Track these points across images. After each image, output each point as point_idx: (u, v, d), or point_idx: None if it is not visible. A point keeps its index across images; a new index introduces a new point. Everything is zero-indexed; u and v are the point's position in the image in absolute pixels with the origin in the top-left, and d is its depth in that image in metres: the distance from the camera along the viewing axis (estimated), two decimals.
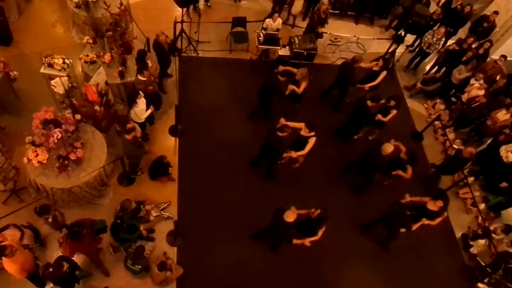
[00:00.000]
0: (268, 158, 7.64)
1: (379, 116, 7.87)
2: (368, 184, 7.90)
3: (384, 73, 8.45)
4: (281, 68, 8.11)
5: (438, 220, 6.86)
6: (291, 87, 7.95)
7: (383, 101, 7.88)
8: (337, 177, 8.27)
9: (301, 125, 7.14)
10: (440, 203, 6.71)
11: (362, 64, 8.48)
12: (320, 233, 6.36)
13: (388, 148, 7.06)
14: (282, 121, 7.02)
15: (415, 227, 6.86)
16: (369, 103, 7.75)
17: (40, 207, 6.02)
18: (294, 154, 7.34)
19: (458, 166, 8.16)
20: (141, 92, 6.90)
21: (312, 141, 7.14)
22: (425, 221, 6.82)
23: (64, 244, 5.81)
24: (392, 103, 7.81)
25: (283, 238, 6.65)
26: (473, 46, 9.49)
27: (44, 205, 6.09)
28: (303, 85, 7.98)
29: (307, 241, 6.38)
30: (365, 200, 8.01)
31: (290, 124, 7.02)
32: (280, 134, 6.90)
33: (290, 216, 5.95)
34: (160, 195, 7.37)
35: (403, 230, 6.85)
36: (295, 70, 8.07)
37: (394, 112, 7.88)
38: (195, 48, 9.48)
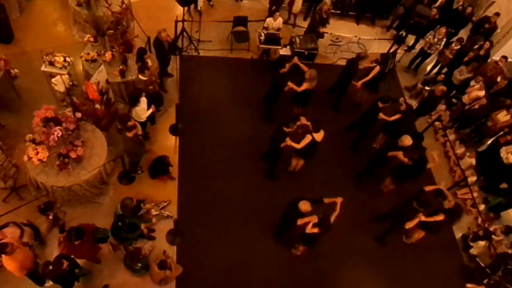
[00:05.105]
0: (271, 155, 7.62)
1: (382, 115, 7.80)
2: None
3: (377, 68, 8.38)
4: (295, 59, 8.06)
5: (436, 218, 6.72)
6: (290, 84, 7.90)
7: (403, 107, 7.94)
8: (337, 177, 8.25)
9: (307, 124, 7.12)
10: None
11: (363, 64, 8.41)
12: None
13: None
14: (303, 120, 7.07)
15: (411, 225, 6.77)
16: (380, 104, 7.73)
17: (44, 204, 6.02)
18: (288, 142, 7.06)
19: (432, 106, 8.67)
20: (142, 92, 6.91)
21: (307, 139, 7.05)
22: (422, 217, 6.65)
23: (62, 245, 5.79)
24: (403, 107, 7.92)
25: (292, 227, 6.61)
26: (474, 46, 9.49)
27: (47, 202, 6.09)
28: (305, 85, 7.85)
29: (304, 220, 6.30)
30: (366, 200, 8.02)
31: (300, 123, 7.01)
32: (285, 129, 6.90)
33: (307, 205, 6.05)
34: (160, 194, 7.36)
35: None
36: (306, 68, 7.97)
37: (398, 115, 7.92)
38: (196, 47, 9.48)
